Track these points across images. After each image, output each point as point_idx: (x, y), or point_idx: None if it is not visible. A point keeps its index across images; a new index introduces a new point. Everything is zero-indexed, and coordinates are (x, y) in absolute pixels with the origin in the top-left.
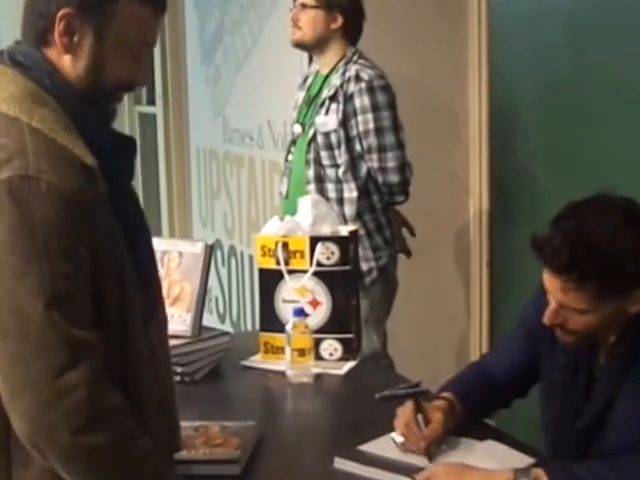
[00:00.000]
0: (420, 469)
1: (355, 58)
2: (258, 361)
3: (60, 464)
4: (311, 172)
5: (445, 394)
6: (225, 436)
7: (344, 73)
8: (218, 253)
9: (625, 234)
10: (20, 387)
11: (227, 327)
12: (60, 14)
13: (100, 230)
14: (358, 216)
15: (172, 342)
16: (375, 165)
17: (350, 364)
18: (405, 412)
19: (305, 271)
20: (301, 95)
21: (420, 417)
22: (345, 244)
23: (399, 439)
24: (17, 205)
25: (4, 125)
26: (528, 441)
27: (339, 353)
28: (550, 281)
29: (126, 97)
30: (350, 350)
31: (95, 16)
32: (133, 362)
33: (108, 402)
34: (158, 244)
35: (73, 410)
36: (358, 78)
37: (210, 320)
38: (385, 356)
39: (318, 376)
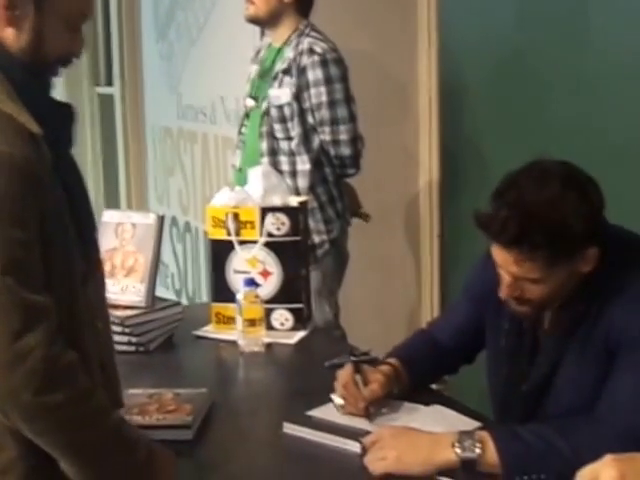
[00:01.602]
0: (367, 433)
1: (308, 31)
2: (210, 331)
3: (24, 424)
4: (265, 145)
5: (389, 359)
6: (178, 403)
7: (297, 46)
8: (174, 230)
9: (567, 198)
10: None
11: (184, 303)
12: None
13: (48, 196)
14: (310, 189)
15: (127, 312)
16: (327, 138)
17: (301, 334)
18: (344, 374)
19: (256, 242)
20: (254, 68)
21: (359, 378)
22: (295, 215)
23: (339, 401)
24: None
25: None
26: (476, 409)
27: (290, 323)
28: (501, 256)
29: (85, 78)
30: (301, 320)
31: None
32: (76, 323)
33: (64, 360)
34: (112, 216)
35: (32, 371)
36: (311, 51)
37: (167, 296)
38: (338, 327)
39: (269, 345)
